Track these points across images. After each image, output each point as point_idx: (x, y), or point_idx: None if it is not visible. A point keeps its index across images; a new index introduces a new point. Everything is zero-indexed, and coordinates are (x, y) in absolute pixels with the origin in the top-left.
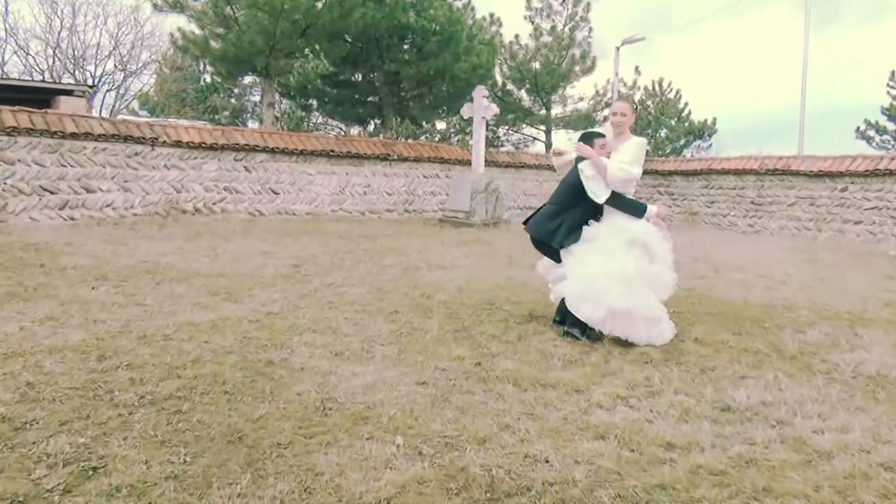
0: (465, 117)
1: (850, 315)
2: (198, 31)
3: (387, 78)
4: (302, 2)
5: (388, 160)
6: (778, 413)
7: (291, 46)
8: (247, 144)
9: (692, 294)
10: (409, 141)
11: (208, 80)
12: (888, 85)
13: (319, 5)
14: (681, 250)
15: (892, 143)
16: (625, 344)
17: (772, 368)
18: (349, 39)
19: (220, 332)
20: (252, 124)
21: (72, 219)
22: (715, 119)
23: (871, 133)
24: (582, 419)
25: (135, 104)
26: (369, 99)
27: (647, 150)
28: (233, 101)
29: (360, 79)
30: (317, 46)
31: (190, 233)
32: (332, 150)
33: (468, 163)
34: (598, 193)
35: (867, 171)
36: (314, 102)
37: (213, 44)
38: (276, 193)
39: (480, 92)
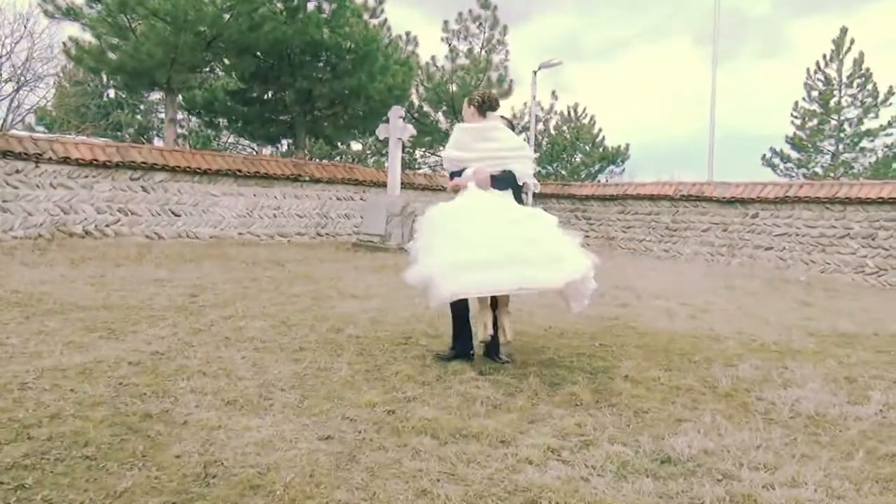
0: (381, 138)
1: (777, 346)
2: (93, 41)
3: (299, 96)
4: (207, 12)
5: (300, 181)
6: (722, 464)
7: (196, 60)
8: (144, 162)
9: (617, 324)
10: (323, 161)
11: (112, 95)
12: (792, 115)
13: (227, 17)
14: (601, 276)
15: (795, 170)
16: (552, 384)
17: (708, 409)
18: (259, 54)
19: (90, 379)
20: (158, 142)
21: None
22: (628, 145)
23: (777, 161)
24: (510, 479)
25: (31, 119)
26: (281, 118)
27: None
28: (138, 117)
29: (270, 96)
30: (225, 61)
31: (76, 258)
32: (240, 170)
33: (384, 185)
34: None
35: (777, 197)
36: (222, 120)
37: (110, 55)
38: (176, 215)
39: (397, 112)
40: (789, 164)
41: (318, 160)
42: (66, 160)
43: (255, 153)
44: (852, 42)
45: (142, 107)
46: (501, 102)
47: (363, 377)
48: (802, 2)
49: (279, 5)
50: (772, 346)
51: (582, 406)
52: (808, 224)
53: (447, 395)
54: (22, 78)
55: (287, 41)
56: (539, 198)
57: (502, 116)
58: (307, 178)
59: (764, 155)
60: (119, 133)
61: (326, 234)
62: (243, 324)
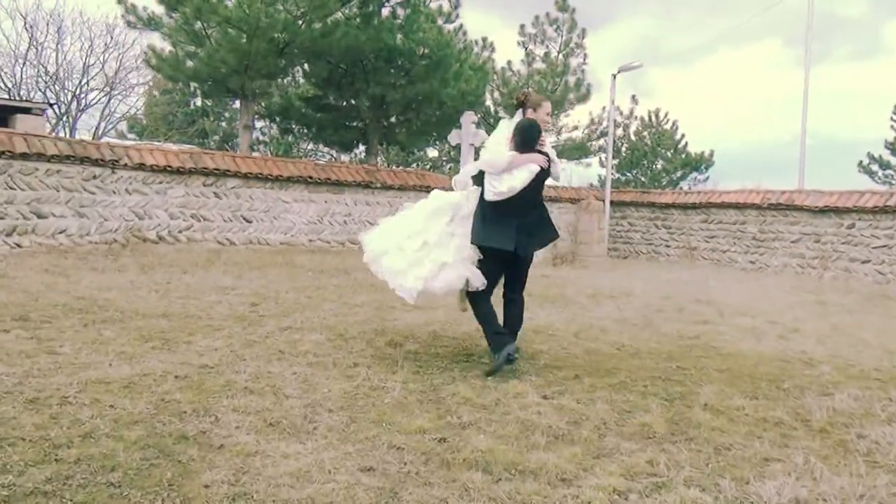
0: (453, 144)
1: (879, 374)
2: (171, 49)
3: (372, 102)
4: (280, 18)
5: (371, 188)
6: None
7: (269, 66)
8: (217, 169)
9: (697, 344)
10: (395, 168)
11: (198, 103)
12: (892, 119)
13: (300, 23)
14: (680, 289)
15: (895, 177)
16: (622, 411)
17: (800, 447)
18: (332, 60)
19: (133, 394)
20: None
21: (19, 246)
22: (712, 151)
23: (875, 167)
24: None
25: (123, 126)
26: (355, 124)
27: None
28: (223, 124)
29: (344, 103)
30: (300, 68)
31: (146, 264)
32: (311, 177)
33: None
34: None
35: (876, 207)
36: (298, 127)
37: (188, 63)
38: (248, 221)
39: (469, 118)
40: (889, 171)
41: (393, 166)
42: (141, 166)
43: (333, 160)
44: None
45: (226, 114)
46: (580, 107)
47: (417, 398)
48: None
49: (354, 10)
50: (873, 374)
51: (655, 439)
52: None
53: (505, 423)
54: (111, 87)
55: (360, 47)
56: (617, 205)
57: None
58: (378, 185)
59: (861, 161)
60: (205, 140)
61: None
62: (299, 336)
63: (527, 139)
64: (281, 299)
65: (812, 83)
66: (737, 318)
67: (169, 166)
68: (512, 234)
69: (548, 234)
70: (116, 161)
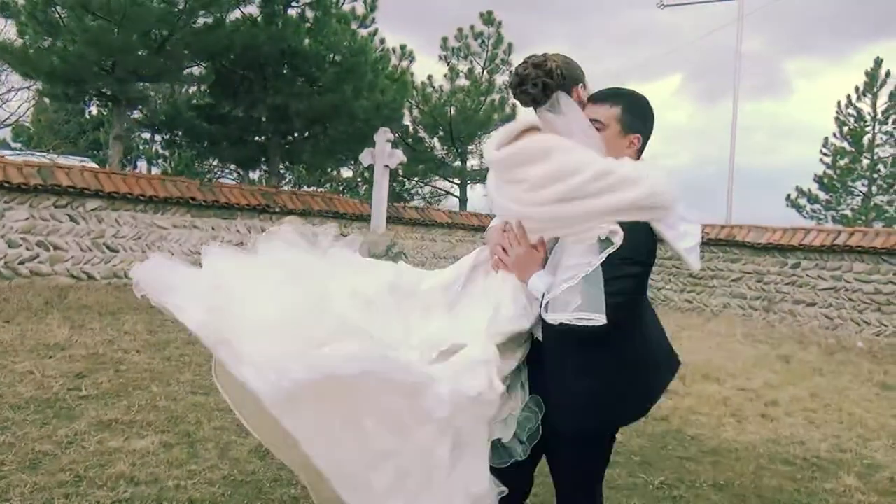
0: (366, 165)
1: None
2: (20, 41)
3: (273, 113)
4: (153, 8)
5: (269, 212)
6: None
7: (145, 65)
8: (73, 186)
9: (669, 431)
10: (297, 190)
11: (94, 111)
12: (822, 151)
13: (182, 15)
14: None
15: (823, 212)
16: None
17: None
18: (226, 63)
19: None
20: (143, 165)
21: None
22: None
23: (803, 202)
24: None
25: (7, 135)
26: (255, 138)
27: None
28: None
29: (241, 113)
30: (190, 70)
31: None
32: (194, 198)
33: (369, 218)
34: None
35: (823, 245)
36: (183, 139)
37: (42, 56)
38: (112, 251)
39: (384, 135)
40: (816, 206)
41: (299, 187)
42: None
43: (241, 180)
44: (888, 74)
45: (126, 125)
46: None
47: None
48: (795, 41)
49: (252, 8)
50: None
51: None
52: (860, 278)
53: None
54: None
55: (259, 48)
56: None
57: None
58: (278, 210)
59: (788, 195)
60: (98, 152)
61: None
62: (121, 442)
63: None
64: (124, 366)
65: (717, 117)
66: (702, 385)
67: (7, 182)
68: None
69: None
70: None
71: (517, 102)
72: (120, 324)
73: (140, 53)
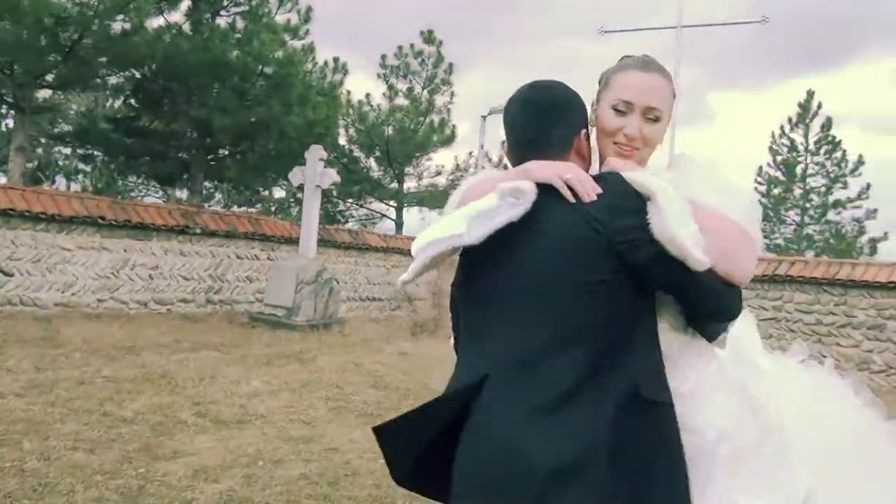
0: (295, 184)
1: None
2: None
3: (195, 126)
4: (53, 2)
5: (188, 234)
6: None
7: (47, 69)
8: None
9: None
10: (221, 211)
11: (10, 124)
12: (756, 180)
13: (89, 13)
14: None
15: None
16: None
17: None
18: (147, 73)
19: None
20: (62, 182)
21: None
22: None
23: None
24: None
25: None
26: (179, 155)
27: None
28: (38, 151)
29: (162, 127)
30: (102, 78)
31: None
32: (104, 217)
33: (299, 241)
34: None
35: (764, 275)
36: (98, 154)
37: None
38: (7, 275)
39: (316, 153)
40: None
41: (230, 207)
42: None
43: (167, 199)
44: (819, 106)
45: (28, 135)
46: (444, 151)
47: None
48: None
49: (178, 16)
50: None
51: None
52: (801, 309)
53: None
54: None
55: (183, 57)
56: None
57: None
58: (198, 231)
59: None
60: (3, 166)
61: (221, 301)
62: None
63: None
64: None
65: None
66: None
67: None
68: None
69: None
70: None
71: (455, 125)
72: (3, 359)
73: (50, 58)
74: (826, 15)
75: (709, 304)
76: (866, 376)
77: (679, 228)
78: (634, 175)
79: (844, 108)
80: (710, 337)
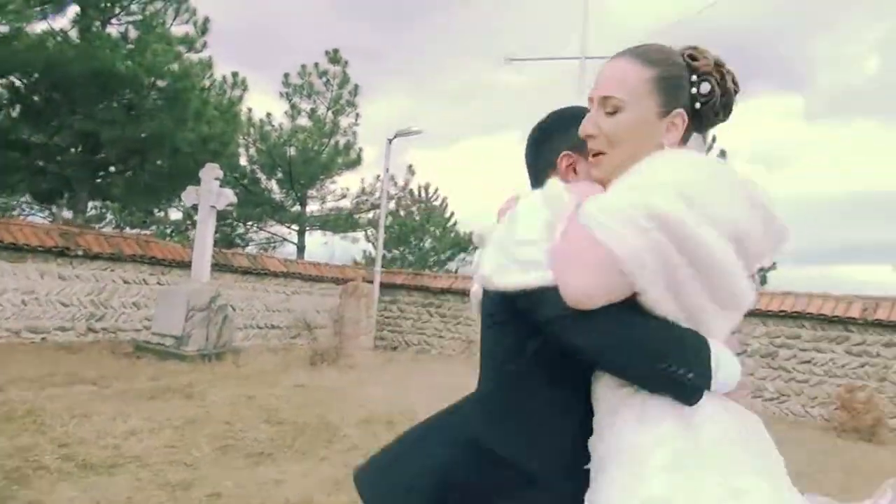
0: (189, 204)
1: None
2: None
3: (80, 140)
4: None
5: (69, 256)
6: None
7: None
8: None
9: None
10: (106, 232)
11: None
12: None
13: None
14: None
15: None
16: None
17: None
18: (25, 80)
19: None
20: None
21: None
22: None
23: None
24: None
25: None
26: (65, 171)
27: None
28: None
29: (42, 139)
30: None
31: None
32: None
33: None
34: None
35: None
36: None
37: None
38: None
39: (211, 172)
40: None
41: (122, 229)
42: None
43: (53, 219)
44: (714, 139)
45: None
46: (348, 174)
47: None
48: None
49: (65, 22)
50: None
51: None
52: None
53: None
54: None
55: (67, 65)
56: (387, 288)
57: None
58: (80, 253)
59: None
60: None
61: (104, 329)
62: None
63: None
64: None
65: None
66: None
67: None
68: None
69: None
70: None
71: (361, 148)
72: None
73: None
74: (723, 50)
75: (579, 347)
76: (759, 403)
77: (486, 265)
78: (519, 207)
79: (736, 143)
80: (655, 391)
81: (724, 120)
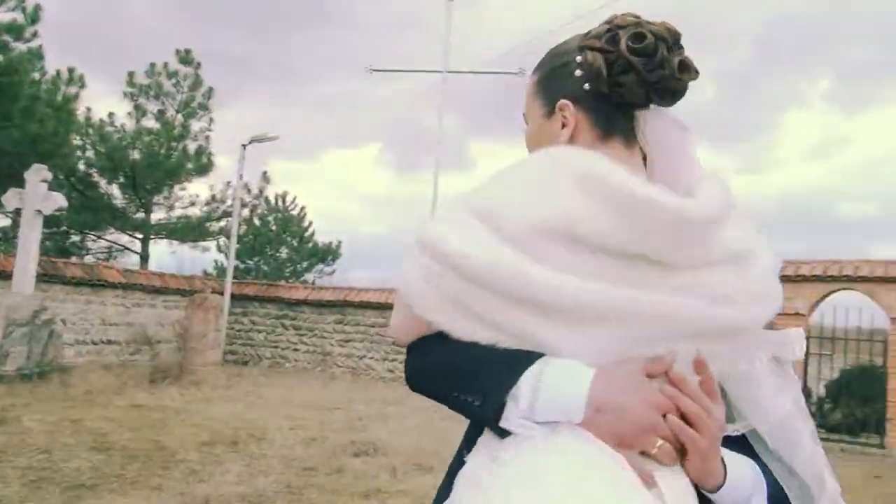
0: (10, 209)
1: None
2: None
3: None
4: None
5: None
6: None
7: None
8: None
9: None
10: None
11: None
12: None
13: None
14: (328, 421)
15: None
16: None
17: None
18: None
19: None
20: None
21: None
22: (340, 242)
23: None
24: None
25: None
26: None
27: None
28: None
29: None
30: None
31: None
32: None
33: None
34: None
35: None
36: None
37: None
38: None
39: (38, 174)
40: None
41: None
42: None
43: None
44: None
45: None
46: (199, 181)
47: None
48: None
49: None
50: None
51: None
52: None
53: None
54: None
55: None
56: (239, 299)
57: None
58: None
59: None
60: None
61: None
62: None
63: None
64: None
65: (415, 189)
66: (415, 478)
67: None
68: None
69: None
70: None
71: (213, 153)
72: None
73: None
74: None
75: None
76: None
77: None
78: None
79: None
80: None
81: (658, 82)
